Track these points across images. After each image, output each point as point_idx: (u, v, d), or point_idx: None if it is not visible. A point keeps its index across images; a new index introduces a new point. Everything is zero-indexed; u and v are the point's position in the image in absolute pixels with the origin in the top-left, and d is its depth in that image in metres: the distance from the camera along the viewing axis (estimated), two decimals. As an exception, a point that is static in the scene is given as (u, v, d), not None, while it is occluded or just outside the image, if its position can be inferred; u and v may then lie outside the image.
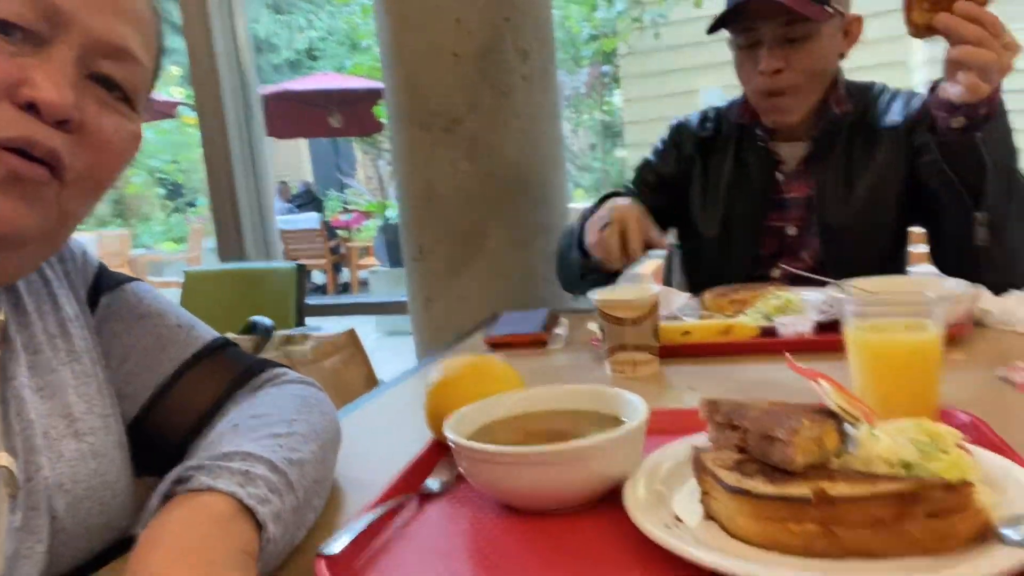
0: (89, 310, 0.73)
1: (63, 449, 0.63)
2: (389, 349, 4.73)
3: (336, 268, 9.01)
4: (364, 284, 8.15)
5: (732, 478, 0.53)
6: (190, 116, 9.87)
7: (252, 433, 0.63)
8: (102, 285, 0.75)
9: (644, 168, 1.57)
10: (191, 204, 12.13)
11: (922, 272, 1.50)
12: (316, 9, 14.78)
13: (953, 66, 1.05)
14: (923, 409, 0.69)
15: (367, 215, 9.03)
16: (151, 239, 12.38)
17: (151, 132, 10.31)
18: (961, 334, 1.03)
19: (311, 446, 0.66)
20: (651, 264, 2.20)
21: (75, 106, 0.56)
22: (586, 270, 1.37)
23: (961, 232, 1.19)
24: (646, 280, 1.86)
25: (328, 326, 1.88)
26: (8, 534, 0.56)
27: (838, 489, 0.49)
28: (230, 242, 3.00)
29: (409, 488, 0.68)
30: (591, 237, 1.28)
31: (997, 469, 0.56)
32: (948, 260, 1.30)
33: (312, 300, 2.93)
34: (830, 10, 1.28)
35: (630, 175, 1.63)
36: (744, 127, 1.46)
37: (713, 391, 0.93)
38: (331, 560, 0.54)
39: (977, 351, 0.99)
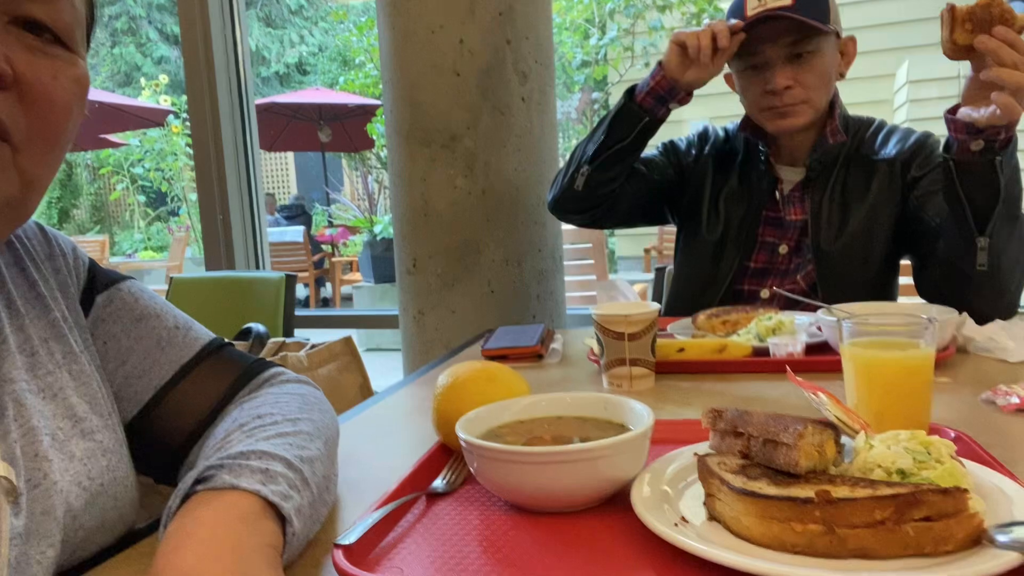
0: (82, 310, 0.71)
1: (74, 449, 0.62)
2: (370, 364, 4.74)
3: (318, 282, 8.99)
4: (347, 299, 8.14)
5: (738, 480, 0.55)
6: (176, 125, 9.86)
7: (261, 432, 0.63)
8: (96, 284, 0.73)
9: (669, 144, 1.66)
10: (173, 213, 12.04)
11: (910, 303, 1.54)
12: (309, 25, 14.88)
13: (986, 88, 1.08)
14: (915, 425, 0.71)
15: (353, 230, 9.02)
16: (130, 247, 12.24)
17: (136, 139, 10.27)
18: (946, 358, 1.07)
19: (317, 443, 0.67)
20: (639, 286, 2.24)
21: (3, 59, 0.51)
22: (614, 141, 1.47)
23: (957, 257, 1.22)
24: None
25: (316, 338, 1.88)
26: (11, 541, 0.54)
27: (840, 491, 0.52)
28: (218, 252, 3.00)
29: (416, 488, 0.69)
30: (679, 40, 1.36)
31: (986, 480, 0.59)
32: (937, 287, 1.32)
33: (299, 312, 2.92)
34: (830, 28, 1.34)
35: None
36: (750, 147, 1.52)
37: (708, 406, 0.95)
38: (347, 550, 0.55)
39: (961, 375, 1.02)
